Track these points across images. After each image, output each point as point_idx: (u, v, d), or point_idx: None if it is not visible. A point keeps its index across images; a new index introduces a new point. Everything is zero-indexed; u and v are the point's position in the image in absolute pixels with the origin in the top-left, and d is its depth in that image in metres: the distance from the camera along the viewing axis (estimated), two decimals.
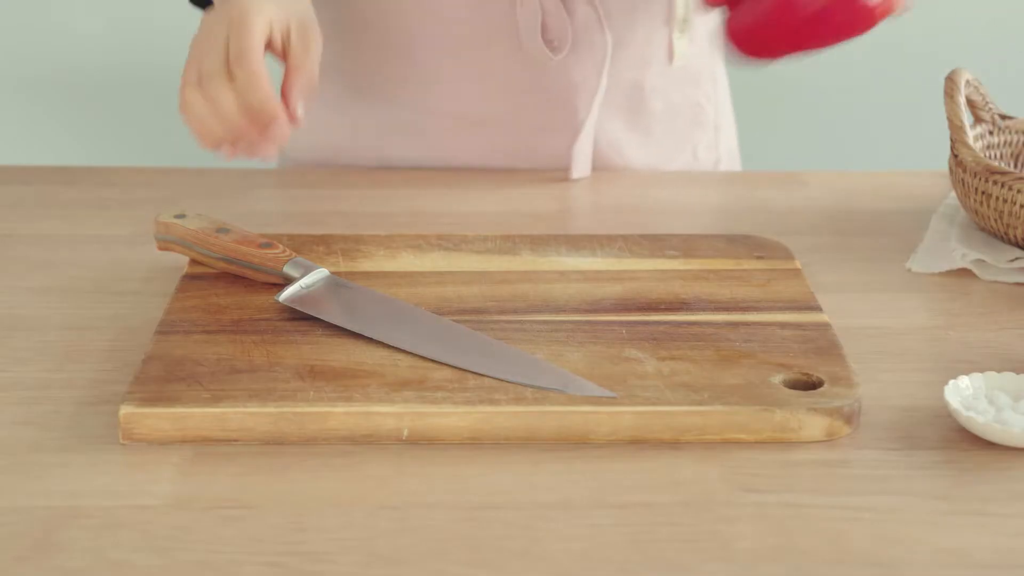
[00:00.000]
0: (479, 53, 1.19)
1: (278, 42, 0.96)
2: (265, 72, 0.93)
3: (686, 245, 1.01)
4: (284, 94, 0.95)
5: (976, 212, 1.05)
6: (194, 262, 0.97)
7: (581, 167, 1.22)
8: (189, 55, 0.96)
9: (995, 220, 1.03)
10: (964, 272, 1.02)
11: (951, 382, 0.82)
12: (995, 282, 1.01)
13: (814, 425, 0.79)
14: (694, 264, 0.98)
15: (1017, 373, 0.85)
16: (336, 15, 1.20)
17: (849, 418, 0.80)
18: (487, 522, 0.72)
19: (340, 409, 0.79)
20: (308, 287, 0.91)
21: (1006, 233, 1.03)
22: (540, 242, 1.01)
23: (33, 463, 0.77)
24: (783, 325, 0.89)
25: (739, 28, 0.82)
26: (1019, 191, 1.00)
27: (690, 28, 1.23)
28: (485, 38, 1.18)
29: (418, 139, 1.23)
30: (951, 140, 1.06)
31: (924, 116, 1.69)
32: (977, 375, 0.83)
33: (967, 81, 1.08)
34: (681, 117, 1.28)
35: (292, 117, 0.95)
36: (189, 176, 1.22)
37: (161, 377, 0.82)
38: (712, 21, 1.26)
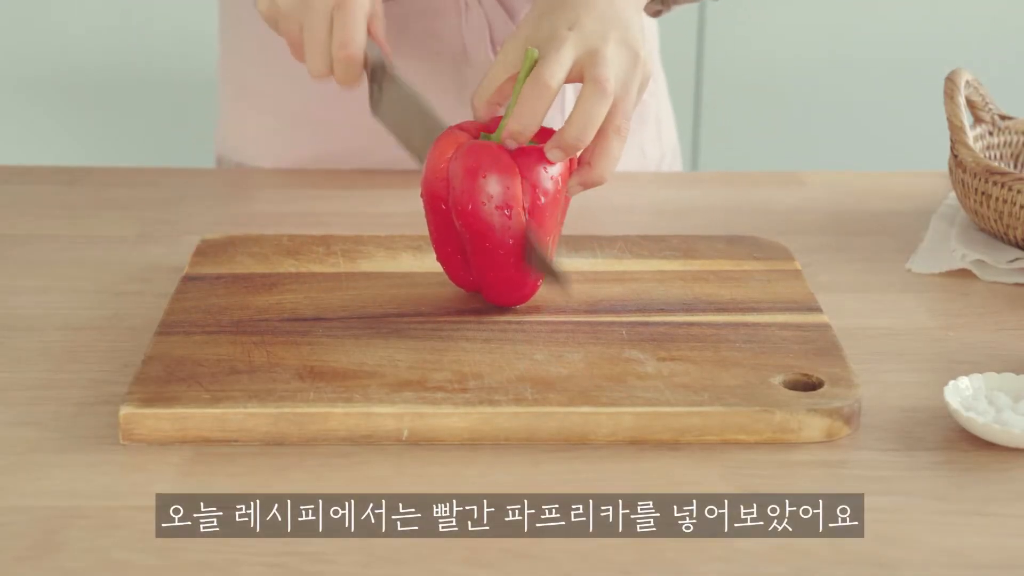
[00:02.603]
0: (426, 66, 1.17)
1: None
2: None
3: (686, 246, 1.01)
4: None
5: (976, 212, 1.05)
6: (195, 262, 0.97)
7: None
8: None
9: (995, 220, 1.03)
10: (964, 272, 1.02)
11: (951, 382, 0.82)
12: (995, 282, 1.01)
13: (814, 426, 0.79)
14: (694, 265, 0.98)
15: (1017, 373, 0.85)
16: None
17: (849, 419, 0.80)
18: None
19: (340, 409, 0.79)
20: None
21: (1006, 233, 1.03)
22: None
23: (33, 463, 0.77)
24: (783, 326, 0.89)
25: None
26: (1019, 191, 1.00)
27: None
28: (434, 53, 1.16)
29: (379, 155, 1.22)
30: (951, 140, 1.06)
31: (924, 116, 1.69)
32: (977, 376, 0.83)
33: (967, 81, 1.08)
34: None
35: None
36: (189, 176, 1.22)
37: (161, 377, 0.82)
38: (649, 17, 1.24)
